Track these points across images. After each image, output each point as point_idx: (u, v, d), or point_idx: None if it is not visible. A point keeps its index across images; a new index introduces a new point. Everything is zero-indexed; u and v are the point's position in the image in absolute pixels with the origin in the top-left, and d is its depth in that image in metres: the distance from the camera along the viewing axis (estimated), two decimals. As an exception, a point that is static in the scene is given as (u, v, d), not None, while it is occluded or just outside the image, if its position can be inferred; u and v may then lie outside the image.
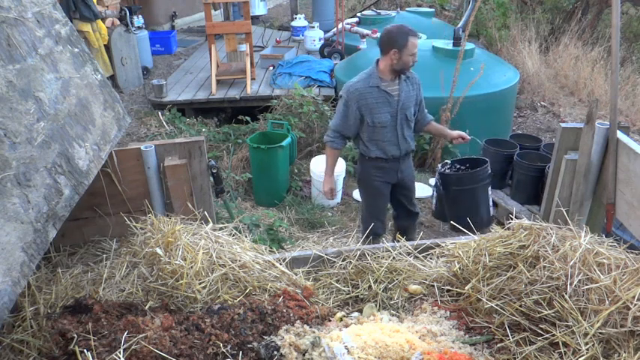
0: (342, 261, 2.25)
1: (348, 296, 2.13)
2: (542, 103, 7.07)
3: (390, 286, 2.13)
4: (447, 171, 3.48)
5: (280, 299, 1.95)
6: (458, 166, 3.54)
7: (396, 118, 3.01)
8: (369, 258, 2.24)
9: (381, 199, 3.29)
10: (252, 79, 6.73)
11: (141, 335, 1.61)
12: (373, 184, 3.21)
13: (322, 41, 8.18)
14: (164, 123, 6.03)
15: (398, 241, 2.36)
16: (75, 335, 1.62)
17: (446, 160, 3.60)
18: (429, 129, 3.34)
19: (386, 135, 3.03)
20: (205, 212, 2.38)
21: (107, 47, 6.75)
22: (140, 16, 7.81)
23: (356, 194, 4.87)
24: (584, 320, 1.64)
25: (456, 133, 3.25)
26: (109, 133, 2.25)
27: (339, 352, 1.60)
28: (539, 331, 1.73)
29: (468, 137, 3.24)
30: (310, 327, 1.84)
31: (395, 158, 3.12)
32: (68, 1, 6.02)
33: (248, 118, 5.75)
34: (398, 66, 2.88)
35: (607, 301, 1.65)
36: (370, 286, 2.13)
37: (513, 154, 4.29)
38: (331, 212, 4.60)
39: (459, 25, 5.96)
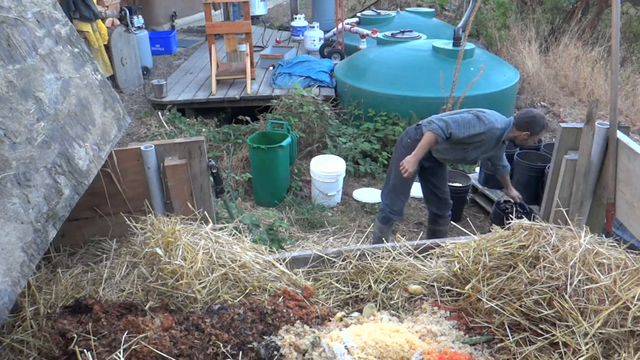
0: (342, 261, 2.25)
1: (348, 296, 2.13)
2: (542, 103, 7.07)
3: (390, 286, 2.13)
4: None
5: (280, 299, 1.95)
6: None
7: (472, 159, 3.39)
8: (369, 258, 2.24)
9: (409, 176, 3.39)
10: (252, 79, 6.72)
11: (141, 335, 1.61)
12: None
13: (322, 41, 8.18)
14: (164, 123, 6.03)
15: (398, 241, 2.37)
16: (75, 335, 1.62)
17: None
18: (503, 180, 3.75)
19: (456, 158, 3.39)
20: (205, 212, 2.38)
21: (107, 47, 6.75)
22: (140, 16, 7.80)
23: (356, 194, 4.87)
24: (584, 320, 1.64)
25: (512, 195, 3.70)
26: (109, 133, 2.25)
27: (339, 352, 1.60)
28: (539, 331, 1.73)
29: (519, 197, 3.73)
30: (310, 327, 1.84)
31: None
32: (68, 1, 6.02)
33: (248, 118, 5.74)
34: (518, 142, 3.26)
35: (607, 301, 1.65)
36: (370, 286, 2.13)
37: (513, 154, 4.29)
38: (331, 212, 4.60)
39: (459, 25, 5.96)
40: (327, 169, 4.63)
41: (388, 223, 3.57)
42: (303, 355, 1.67)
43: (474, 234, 2.26)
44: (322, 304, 2.03)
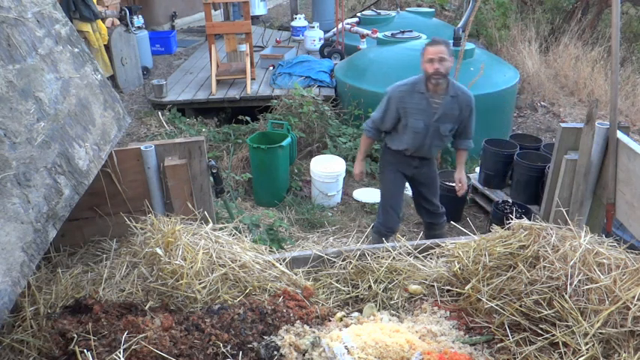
0: (342, 261, 2.25)
1: (348, 296, 2.13)
2: (542, 103, 7.07)
3: (390, 286, 2.13)
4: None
5: (280, 299, 1.95)
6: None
7: (429, 129, 3.11)
8: (369, 258, 2.24)
9: (395, 188, 3.41)
10: (252, 79, 6.72)
11: (141, 335, 1.61)
12: (387, 170, 3.41)
13: (322, 41, 8.17)
14: (164, 123, 6.03)
15: (398, 241, 2.37)
16: (75, 335, 1.62)
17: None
18: (457, 155, 3.49)
19: (415, 139, 3.16)
20: (205, 212, 2.38)
21: (107, 47, 6.74)
22: (140, 16, 7.80)
23: (356, 194, 4.87)
24: (584, 320, 1.64)
25: (458, 177, 3.40)
26: (109, 133, 2.25)
27: (339, 352, 1.60)
28: (539, 331, 1.73)
29: (463, 189, 3.43)
30: (310, 327, 1.84)
31: (413, 157, 3.29)
32: (68, 1, 6.02)
33: (248, 118, 5.74)
34: (429, 74, 2.98)
35: (607, 301, 1.65)
36: (370, 286, 2.13)
37: (513, 154, 4.29)
38: (331, 212, 4.60)
39: (459, 25, 5.95)
40: (327, 169, 4.63)
41: (383, 237, 3.34)
42: (303, 355, 1.67)
43: (474, 234, 2.26)
44: (322, 304, 2.03)
